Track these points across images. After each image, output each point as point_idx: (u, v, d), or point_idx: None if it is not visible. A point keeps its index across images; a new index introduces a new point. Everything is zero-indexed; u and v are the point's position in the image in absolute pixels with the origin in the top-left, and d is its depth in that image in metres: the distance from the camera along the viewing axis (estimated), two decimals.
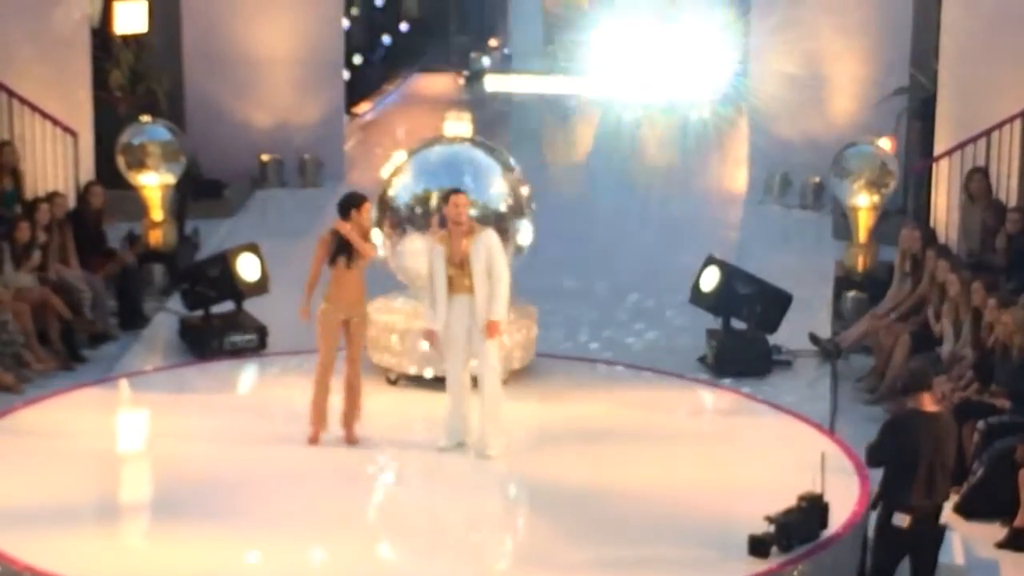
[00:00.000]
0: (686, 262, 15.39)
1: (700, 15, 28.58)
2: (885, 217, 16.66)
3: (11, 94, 16.34)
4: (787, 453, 11.68)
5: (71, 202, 16.09)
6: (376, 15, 31.86)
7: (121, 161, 16.75)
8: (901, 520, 9.43)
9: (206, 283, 14.69)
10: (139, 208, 16.81)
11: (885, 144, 16.63)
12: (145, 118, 17.12)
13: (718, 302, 14.46)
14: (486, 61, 32.59)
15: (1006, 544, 10.87)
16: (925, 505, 9.47)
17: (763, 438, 12.45)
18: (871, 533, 9.95)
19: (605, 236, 18.83)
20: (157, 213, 16.79)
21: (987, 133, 15.69)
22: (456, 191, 11.75)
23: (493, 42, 33.87)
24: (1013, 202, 15.32)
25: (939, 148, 16.48)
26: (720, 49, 26.91)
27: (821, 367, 14.40)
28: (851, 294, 15.98)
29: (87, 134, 17.32)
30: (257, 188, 20.50)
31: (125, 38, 19.43)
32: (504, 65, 32.95)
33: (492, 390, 11.68)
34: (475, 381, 11.79)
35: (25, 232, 14.51)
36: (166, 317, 15.40)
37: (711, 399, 13.64)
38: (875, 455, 9.69)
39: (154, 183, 16.74)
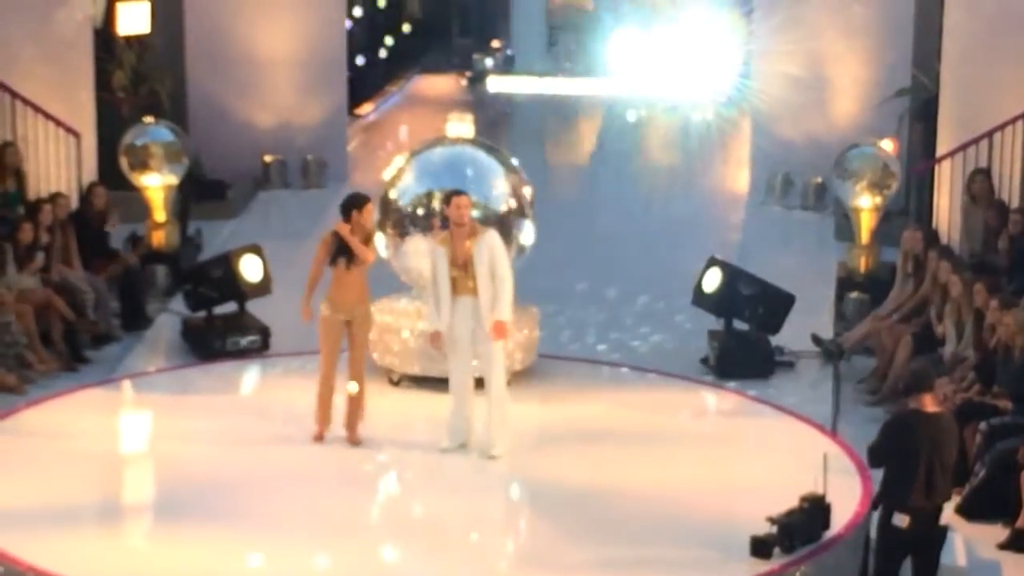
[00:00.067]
0: (688, 263, 15.39)
1: (703, 16, 28.61)
2: (887, 218, 16.66)
3: (14, 95, 16.35)
4: (789, 454, 11.68)
5: (74, 203, 16.09)
6: (379, 16, 31.89)
7: (124, 162, 16.76)
8: (900, 520, 9.44)
9: (209, 284, 14.70)
10: (142, 209, 16.82)
11: (887, 145, 16.63)
12: (148, 119, 17.13)
13: (720, 303, 14.46)
14: (488, 62, 32.64)
15: (1008, 545, 10.87)
16: (925, 506, 9.47)
17: (765, 439, 12.45)
18: (873, 534, 9.95)
19: (607, 237, 18.85)
20: (160, 214, 16.81)
21: (989, 134, 15.69)
22: (458, 192, 11.75)
23: (495, 43, 33.91)
24: (1015, 203, 15.32)
25: (941, 149, 16.48)
26: (723, 50, 26.93)
27: (823, 368, 14.40)
28: (853, 295, 15.98)
29: (90, 135, 17.33)
30: (260, 189, 20.53)
31: (128, 39, 19.45)
32: (506, 66, 33.00)
33: (498, 391, 11.69)
34: (478, 382, 11.81)
35: (28, 233, 14.51)
36: (169, 318, 15.41)
37: (713, 400, 13.65)
38: (875, 455, 9.69)
39: (157, 184, 16.76)
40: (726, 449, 12.19)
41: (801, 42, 19.49)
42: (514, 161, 13.52)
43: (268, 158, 20.63)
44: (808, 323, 14.81)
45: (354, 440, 11.84)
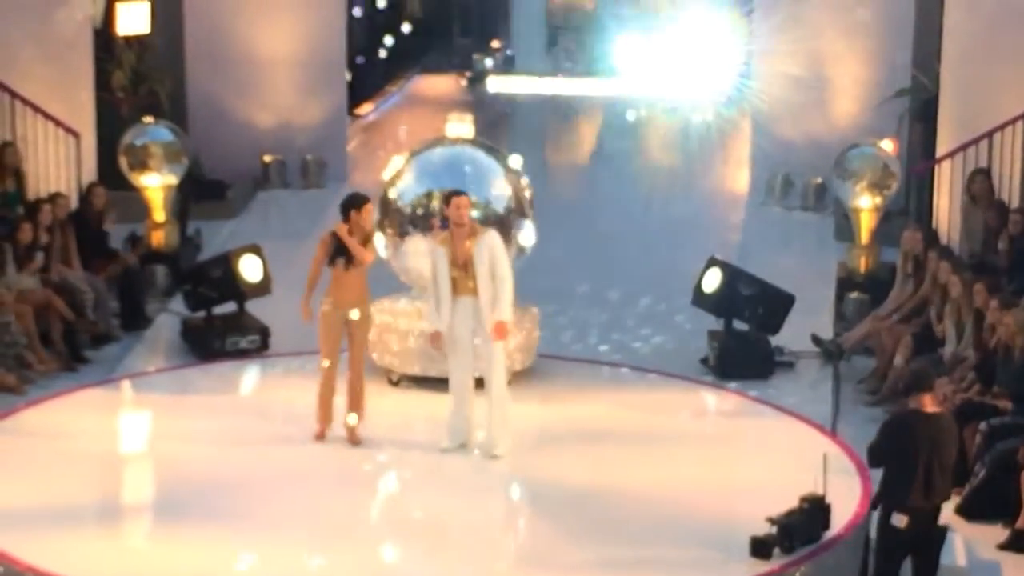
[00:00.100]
0: (688, 264, 15.38)
1: (703, 16, 28.61)
2: (887, 218, 16.65)
3: (13, 95, 16.35)
4: (789, 454, 11.68)
5: (73, 203, 16.09)
6: (379, 16, 31.89)
7: (123, 162, 16.76)
8: (899, 520, 9.43)
9: (208, 284, 14.69)
10: (141, 209, 16.81)
11: (887, 145, 16.63)
12: (147, 119, 17.12)
13: (720, 303, 14.46)
14: (488, 62, 32.64)
15: (1008, 546, 10.86)
16: (923, 506, 9.47)
17: (765, 439, 12.45)
18: (873, 534, 9.95)
19: (607, 237, 18.83)
20: (159, 214, 16.80)
21: (989, 134, 15.69)
22: (458, 192, 11.74)
23: (495, 43, 33.91)
24: (1015, 203, 15.32)
25: (941, 149, 16.48)
26: (723, 50, 26.93)
27: (823, 368, 14.39)
28: (853, 295, 15.97)
29: (89, 135, 17.32)
30: (259, 189, 20.53)
31: (127, 39, 19.44)
32: (506, 66, 32.99)
33: (500, 391, 11.69)
34: (478, 382, 11.80)
35: (27, 233, 14.51)
36: (168, 318, 15.41)
37: (713, 400, 13.64)
38: (875, 455, 9.68)
39: (156, 184, 16.75)
40: (726, 449, 12.19)
41: (801, 42, 19.49)
42: (513, 161, 13.51)
43: (268, 158, 20.63)
44: (808, 323, 14.81)
45: (354, 440, 11.84)
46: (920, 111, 18.45)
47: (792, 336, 14.47)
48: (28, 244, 14.51)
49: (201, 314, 14.62)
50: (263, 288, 14.77)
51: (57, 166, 16.72)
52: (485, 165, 13.33)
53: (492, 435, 11.66)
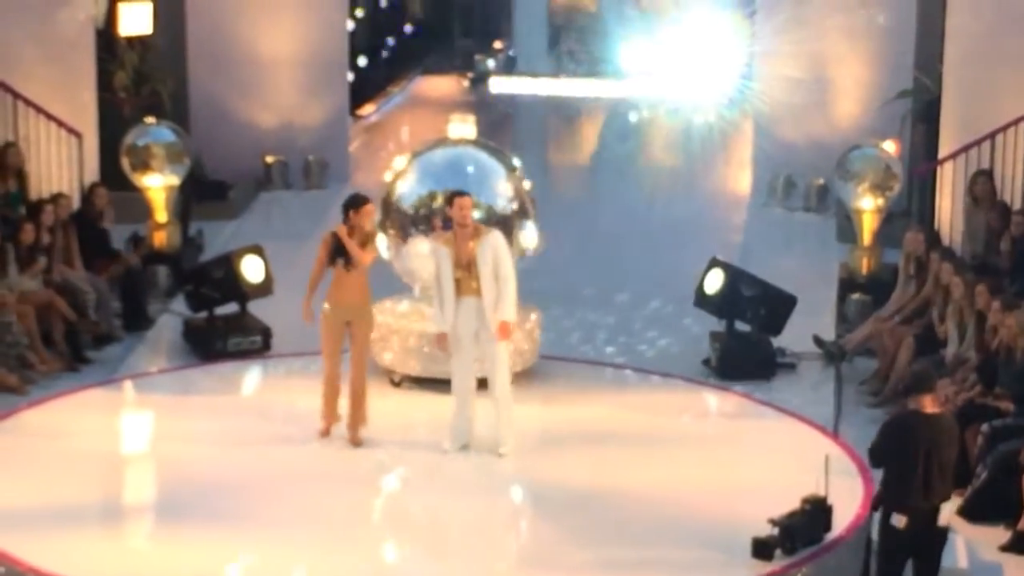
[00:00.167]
0: (689, 265, 15.37)
1: (705, 18, 28.59)
2: (889, 220, 16.64)
3: (16, 95, 16.35)
4: (791, 455, 11.68)
5: (75, 204, 16.09)
6: (381, 17, 31.88)
7: (125, 162, 16.76)
8: (898, 521, 9.43)
9: (210, 285, 14.70)
10: (143, 210, 16.82)
11: (889, 147, 16.61)
12: (149, 119, 17.13)
13: (722, 304, 14.45)
14: (490, 63, 32.60)
15: (1010, 547, 10.86)
16: (923, 506, 9.46)
17: (767, 440, 12.45)
18: (875, 536, 9.94)
19: (609, 238, 18.81)
20: (161, 215, 16.81)
21: (991, 136, 15.68)
22: (460, 193, 11.75)
23: (497, 44, 33.87)
24: (1017, 205, 15.31)
25: (943, 151, 16.48)
26: (725, 52, 26.91)
27: (825, 370, 14.39)
28: (855, 297, 15.97)
29: (91, 135, 17.33)
30: (261, 190, 20.51)
31: (130, 39, 19.44)
32: (508, 67, 32.95)
33: (503, 391, 11.70)
34: (479, 383, 11.80)
35: (30, 234, 14.51)
36: (170, 319, 15.40)
37: (715, 401, 13.64)
38: (875, 455, 9.68)
39: (158, 184, 16.76)
40: (728, 450, 12.19)
41: (803, 43, 19.47)
42: (515, 162, 13.51)
43: (270, 159, 20.62)
44: (810, 324, 14.80)
45: (356, 441, 11.84)
46: (922, 113, 18.44)
47: (794, 337, 14.47)
48: (30, 244, 14.52)
49: (203, 315, 14.62)
50: (265, 289, 14.78)
51: (59, 166, 16.72)
52: (487, 166, 13.34)
53: (498, 434, 11.68)
